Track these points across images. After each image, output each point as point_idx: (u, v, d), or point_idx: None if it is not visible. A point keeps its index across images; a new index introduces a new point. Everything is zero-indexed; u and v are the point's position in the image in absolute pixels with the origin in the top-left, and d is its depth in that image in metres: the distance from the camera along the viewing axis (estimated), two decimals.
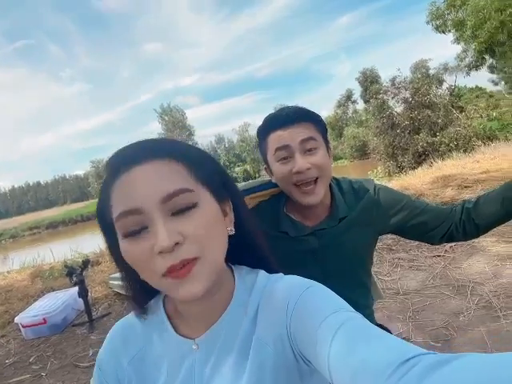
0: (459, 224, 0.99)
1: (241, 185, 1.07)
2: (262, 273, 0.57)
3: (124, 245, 0.46)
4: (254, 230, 0.59)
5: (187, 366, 0.53)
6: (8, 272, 6.96)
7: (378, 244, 4.03)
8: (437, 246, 3.55)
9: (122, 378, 0.57)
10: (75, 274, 3.35)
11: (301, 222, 1.02)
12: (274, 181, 1.02)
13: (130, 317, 0.60)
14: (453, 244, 3.50)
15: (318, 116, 0.97)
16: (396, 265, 3.43)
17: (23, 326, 3.38)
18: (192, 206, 0.46)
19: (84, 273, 3.53)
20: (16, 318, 3.43)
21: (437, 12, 13.19)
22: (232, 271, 0.57)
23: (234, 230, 0.53)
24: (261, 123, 1.00)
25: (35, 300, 4.07)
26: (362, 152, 29.11)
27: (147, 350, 0.56)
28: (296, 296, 0.50)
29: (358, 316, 0.44)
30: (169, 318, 0.56)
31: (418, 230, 1.04)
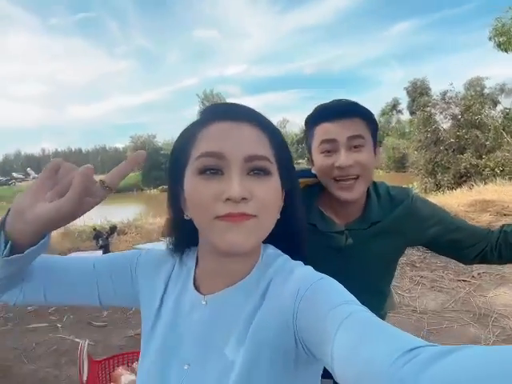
0: (495, 246, 0.96)
1: None
2: (285, 257, 0.59)
3: (194, 180, 0.50)
4: (300, 219, 0.61)
5: (195, 318, 0.56)
6: None
7: (402, 259, 3.90)
8: (464, 271, 3.40)
9: (143, 286, 0.63)
10: (101, 237, 3.51)
11: (331, 218, 1.01)
12: (313, 171, 1.01)
13: (172, 252, 0.63)
14: (481, 271, 3.35)
15: (370, 113, 0.95)
16: (417, 282, 3.32)
17: None
18: (267, 174, 0.50)
19: (110, 238, 3.69)
20: None
21: (502, 28, 12.44)
22: (261, 248, 0.59)
23: (279, 215, 0.55)
24: (311, 111, 0.99)
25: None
26: (399, 164, 28.26)
27: (175, 290, 0.60)
28: (308, 284, 0.50)
29: (365, 309, 0.44)
30: (195, 270, 0.60)
31: (451, 247, 1.01)
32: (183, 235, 0.60)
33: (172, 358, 0.56)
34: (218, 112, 0.53)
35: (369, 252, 0.98)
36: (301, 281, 0.51)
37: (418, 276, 3.46)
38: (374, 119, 0.96)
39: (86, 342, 1.51)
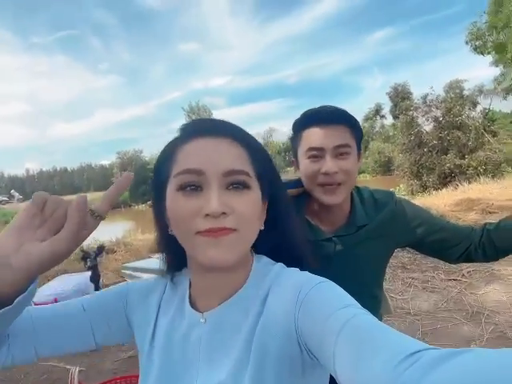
0: (478, 245, 0.98)
1: None
2: (280, 264, 0.59)
3: (175, 197, 0.50)
4: (293, 229, 0.61)
5: (195, 337, 0.55)
6: None
7: (393, 261, 3.94)
8: (454, 270, 3.44)
9: (135, 316, 0.62)
10: (90, 258, 3.44)
11: (318, 226, 1.02)
12: (298, 174, 1.03)
13: (162, 278, 0.63)
14: (471, 269, 3.39)
15: (356, 121, 0.97)
16: (409, 284, 3.34)
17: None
18: (246, 187, 0.50)
19: (98, 258, 3.61)
20: None
21: (477, 32, 12.87)
22: (253, 257, 0.59)
23: (263, 226, 0.56)
24: (299, 116, 1.00)
25: (49, 280, 4.19)
26: (385, 168, 28.67)
27: (169, 315, 0.59)
28: (308, 287, 0.50)
29: (365, 312, 0.44)
30: (191, 289, 0.59)
31: (436, 247, 1.02)
32: (173, 253, 0.59)
33: (174, 382, 0.54)
34: (197, 128, 0.53)
35: (358, 256, 0.99)
36: (300, 285, 0.51)
37: (410, 278, 3.48)
38: (359, 126, 0.98)
39: (77, 369, 1.47)
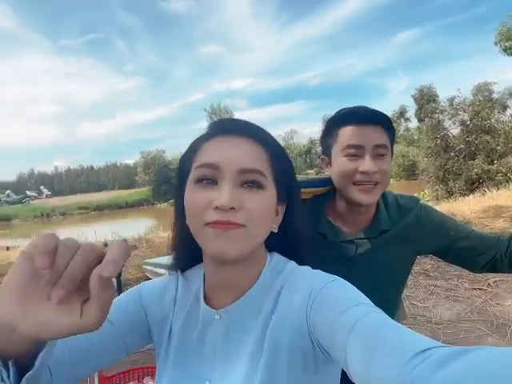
0: (505, 255, 0.96)
1: None
2: (293, 263, 0.60)
3: (191, 188, 0.53)
4: (299, 233, 0.62)
5: (210, 334, 0.56)
6: None
7: (415, 268, 3.84)
8: (479, 279, 3.32)
9: (153, 316, 0.62)
10: None
11: (340, 227, 1.01)
12: (328, 172, 1.02)
13: (174, 278, 0.65)
14: (497, 279, 3.27)
15: (391, 122, 0.97)
16: (431, 292, 3.25)
17: None
18: (259, 187, 0.52)
19: None
20: None
21: (507, 33, 12.40)
22: (267, 255, 0.60)
23: (277, 229, 0.57)
24: (333, 114, 1.01)
25: None
26: (410, 172, 27.94)
27: (184, 312, 0.60)
28: (320, 285, 0.51)
29: (378, 310, 0.45)
30: (205, 286, 0.60)
31: (460, 255, 1.01)
32: (187, 249, 0.61)
33: (190, 378, 0.56)
34: (219, 127, 0.56)
35: (380, 260, 0.98)
36: (313, 283, 0.52)
37: (433, 285, 3.39)
38: (394, 129, 0.98)
39: None
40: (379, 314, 0.44)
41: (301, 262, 0.61)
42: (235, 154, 0.51)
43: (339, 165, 0.95)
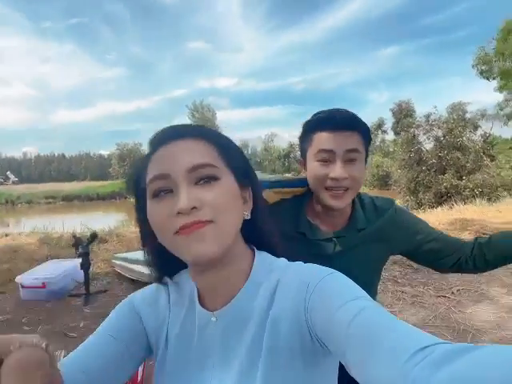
0: (470, 257, 1.02)
1: (269, 176, 1.09)
2: (283, 259, 0.60)
3: (151, 205, 0.51)
4: (266, 217, 0.61)
5: (208, 336, 0.55)
6: (18, 234, 7.17)
7: (384, 274, 3.95)
8: (444, 287, 3.46)
9: (150, 328, 0.60)
10: (81, 245, 3.41)
11: (318, 226, 1.03)
12: (304, 175, 1.03)
13: (164, 284, 0.63)
14: (460, 288, 3.41)
15: (367, 127, 0.98)
16: (399, 298, 3.35)
17: (22, 287, 3.46)
18: (214, 179, 0.51)
19: (90, 246, 3.59)
20: (17, 278, 3.51)
21: (484, 57, 13.03)
22: (253, 252, 0.59)
23: (249, 215, 0.56)
24: (310, 117, 1.01)
25: (39, 264, 4.16)
26: (382, 182, 28.72)
27: (180, 316, 0.59)
28: (318, 278, 0.51)
29: (376, 304, 0.45)
30: (198, 289, 0.59)
31: (429, 256, 1.05)
32: (165, 260, 0.59)
33: (188, 380, 0.55)
34: (160, 138, 0.55)
35: (357, 258, 1.01)
36: (310, 276, 0.52)
37: (400, 291, 3.49)
38: (369, 132, 1.00)
39: (62, 353, 1.45)
40: (377, 309, 0.43)
41: (275, 253, 0.61)
42: (180, 155, 0.51)
43: (312, 169, 0.97)
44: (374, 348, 0.37)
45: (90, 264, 3.52)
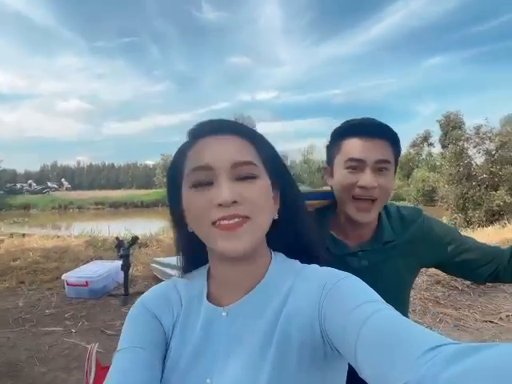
0: (508, 266, 0.95)
1: None
2: (297, 260, 0.60)
3: (189, 194, 0.53)
4: (301, 216, 0.62)
5: (215, 331, 0.56)
6: (68, 236, 7.65)
7: (425, 294, 3.74)
8: (491, 311, 3.20)
9: (167, 324, 0.60)
10: (123, 247, 3.58)
11: (343, 241, 1.00)
12: (329, 183, 1.01)
13: (171, 282, 0.65)
14: (510, 313, 3.13)
15: (398, 137, 0.95)
16: (440, 320, 3.15)
17: (67, 284, 3.68)
18: (254, 177, 0.53)
19: (131, 249, 3.75)
20: (63, 276, 3.74)
21: None
22: (271, 253, 0.61)
23: (276, 215, 0.58)
24: (340, 124, 0.99)
25: (84, 263, 4.41)
26: (428, 198, 27.35)
27: (187, 313, 0.60)
28: (333, 281, 0.51)
29: (390, 307, 0.45)
30: (208, 286, 0.60)
31: (463, 267, 0.99)
32: (191, 252, 0.62)
33: (191, 375, 0.55)
34: (202, 129, 0.56)
35: (383, 272, 0.97)
36: (326, 278, 0.53)
37: (442, 313, 3.28)
38: (399, 143, 0.97)
39: (96, 346, 1.52)
40: (391, 311, 0.43)
41: (310, 250, 0.62)
42: (224, 150, 0.53)
43: (340, 177, 0.94)
44: (385, 348, 0.37)
45: (129, 266, 3.68)
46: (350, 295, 0.48)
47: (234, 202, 0.50)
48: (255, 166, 0.53)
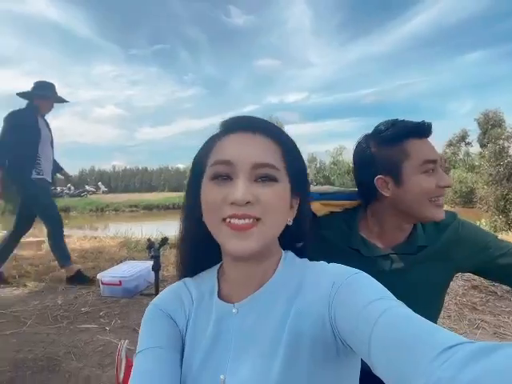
0: None
1: (317, 187, 1.07)
2: (306, 259, 0.61)
3: (207, 185, 0.54)
4: (306, 228, 0.63)
5: (226, 328, 0.57)
6: (104, 237, 7.97)
7: (461, 299, 3.57)
8: None
9: (181, 322, 0.61)
10: (153, 248, 3.68)
11: (374, 243, 0.99)
12: (389, 194, 0.94)
13: (182, 282, 0.66)
14: None
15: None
16: (477, 326, 2.99)
17: (102, 283, 3.83)
18: (273, 180, 0.52)
19: (161, 249, 3.85)
20: (98, 275, 3.90)
21: None
22: (281, 252, 0.61)
23: (291, 222, 0.58)
24: (390, 127, 0.93)
25: (118, 264, 4.57)
26: (466, 199, 26.11)
27: (198, 310, 0.61)
28: (343, 277, 0.51)
29: (401, 304, 0.44)
30: (219, 284, 0.61)
31: (502, 273, 0.95)
32: (200, 250, 0.62)
33: (205, 373, 0.56)
34: (233, 124, 0.57)
35: (415, 278, 0.95)
36: (336, 274, 0.53)
37: (479, 320, 3.12)
38: None
39: (126, 342, 1.58)
40: (404, 309, 0.43)
41: (301, 254, 0.62)
42: (248, 149, 0.53)
43: (419, 183, 0.89)
44: (401, 349, 0.37)
45: (160, 266, 3.77)
46: (360, 292, 0.47)
47: (248, 202, 0.50)
48: (277, 170, 0.53)
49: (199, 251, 0.63)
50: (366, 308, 0.44)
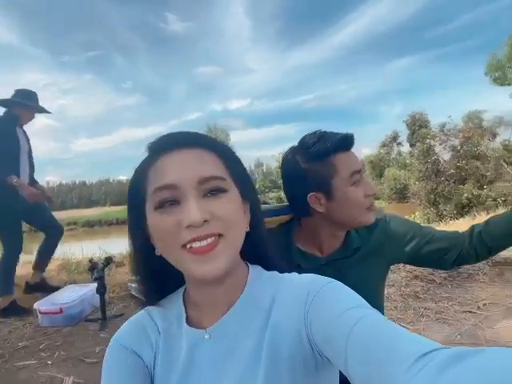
0: (470, 247, 0.99)
1: None
2: (276, 272, 0.59)
3: (154, 217, 0.49)
4: (263, 232, 0.61)
5: (199, 355, 0.53)
6: None
7: (405, 290, 3.80)
8: (469, 302, 3.30)
9: (147, 357, 0.56)
10: (96, 269, 3.44)
11: (312, 253, 1.01)
12: (323, 210, 0.94)
13: (145, 312, 0.61)
14: (487, 302, 3.24)
15: None
16: (421, 314, 3.20)
17: (40, 313, 3.48)
18: (222, 191, 0.50)
19: (105, 270, 3.61)
20: (35, 304, 3.55)
21: (497, 64, 12.88)
22: (247, 267, 0.59)
23: (249, 228, 0.56)
24: (317, 142, 0.91)
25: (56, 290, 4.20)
26: (401, 195, 28.24)
27: (166, 341, 0.57)
28: (317, 288, 0.50)
29: (376, 312, 0.44)
30: (186, 310, 0.57)
31: (429, 258, 1.03)
32: (157, 279, 0.58)
33: None
34: (163, 145, 0.53)
35: (354, 278, 0.98)
36: (309, 285, 0.51)
37: (423, 308, 3.34)
38: None
39: (71, 379, 1.44)
40: (377, 316, 0.42)
41: (267, 266, 0.60)
42: (189, 166, 0.49)
43: (349, 195, 0.90)
44: (376, 357, 0.36)
45: (105, 288, 3.53)
46: (334, 302, 0.47)
47: (205, 221, 0.47)
48: (224, 180, 0.51)
49: (158, 279, 0.58)
50: (340, 318, 0.43)
